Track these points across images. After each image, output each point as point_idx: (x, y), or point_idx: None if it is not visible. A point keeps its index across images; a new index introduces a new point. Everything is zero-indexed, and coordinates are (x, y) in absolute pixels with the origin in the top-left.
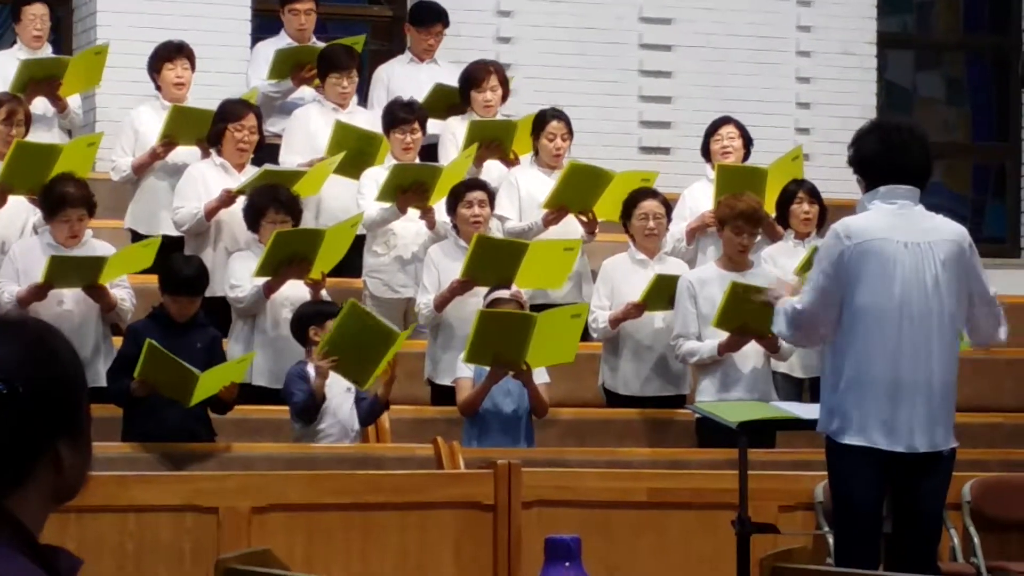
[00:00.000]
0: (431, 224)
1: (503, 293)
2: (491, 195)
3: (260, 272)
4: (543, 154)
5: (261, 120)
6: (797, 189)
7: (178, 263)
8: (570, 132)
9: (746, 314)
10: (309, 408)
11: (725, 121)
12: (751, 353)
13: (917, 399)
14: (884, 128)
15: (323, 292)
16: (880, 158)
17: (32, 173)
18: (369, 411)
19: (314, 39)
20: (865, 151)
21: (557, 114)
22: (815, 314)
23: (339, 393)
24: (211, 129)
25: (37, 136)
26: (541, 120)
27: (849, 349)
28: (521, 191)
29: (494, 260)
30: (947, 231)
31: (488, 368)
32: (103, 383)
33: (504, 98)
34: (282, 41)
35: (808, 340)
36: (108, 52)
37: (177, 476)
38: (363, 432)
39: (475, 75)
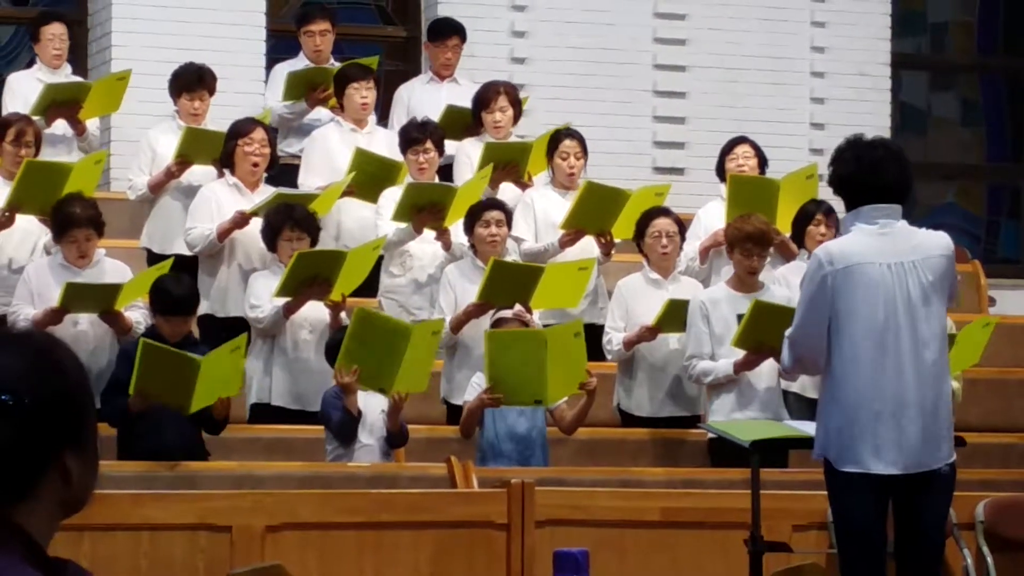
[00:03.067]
0: (447, 246)
1: (506, 313)
2: (508, 215)
3: (281, 292)
4: (558, 174)
5: (272, 136)
6: (816, 210)
7: (169, 284)
8: (584, 151)
9: (764, 332)
10: (347, 426)
11: (740, 140)
12: (765, 372)
13: (909, 419)
14: (858, 146)
15: (343, 313)
16: (856, 177)
17: (42, 193)
18: (390, 442)
19: (332, 60)
20: (841, 171)
21: (571, 133)
22: (803, 340)
23: (375, 411)
24: (223, 149)
25: (56, 158)
26: (555, 139)
27: (838, 373)
28: (537, 212)
29: (510, 283)
30: (932, 246)
31: (512, 403)
32: None
33: (516, 118)
34: (300, 63)
35: (806, 369)
36: (130, 79)
37: (190, 495)
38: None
39: (485, 96)
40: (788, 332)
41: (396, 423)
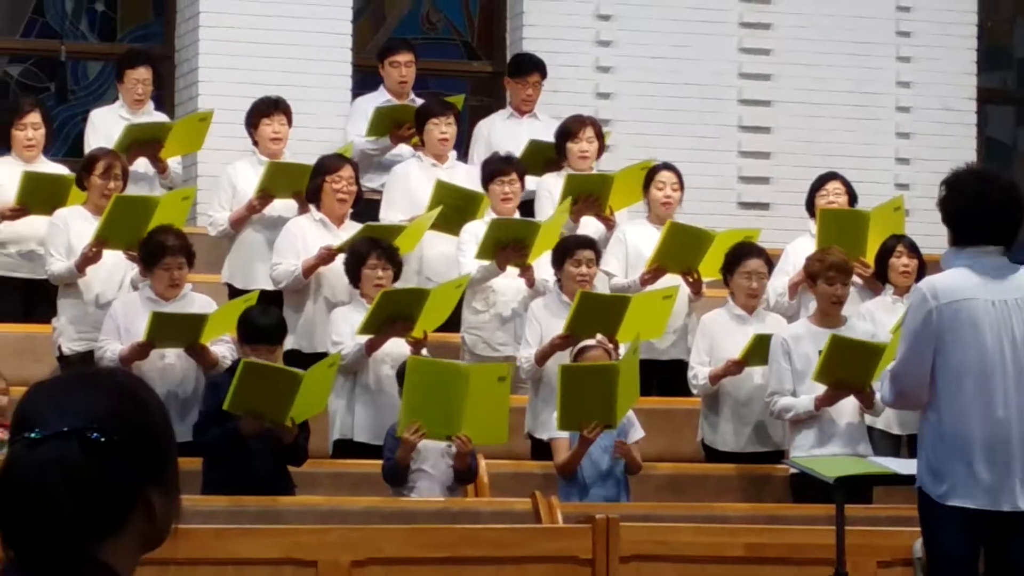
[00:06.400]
0: (531, 282)
1: (590, 341)
2: (599, 254)
3: (364, 330)
4: (653, 206)
5: (358, 173)
6: (896, 243)
7: (256, 314)
8: (681, 184)
9: (844, 368)
10: (396, 474)
11: (831, 177)
12: (847, 408)
13: (1012, 457)
14: (984, 181)
15: (424, 351)
16: (975, 214)
17: (129, 228)
18: (458, 477)
19: (412, 96)
20: (961, 204)
21: (668, 166)
22: (907, 374)
23: (435, 453)
24: (309, 185)
25: (138, 194)
26: (652, 171)
27: (941, 408)
28: (628, 247)
29: (597, 315)
30: None
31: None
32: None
33: (600, 152)
34: (381, 96)
35: (907, 403)
36: (212, 119)
37: (276, 529)
38: (462, 488)
39: (571, 127)
40: (891, 366)
41: (464, 463)
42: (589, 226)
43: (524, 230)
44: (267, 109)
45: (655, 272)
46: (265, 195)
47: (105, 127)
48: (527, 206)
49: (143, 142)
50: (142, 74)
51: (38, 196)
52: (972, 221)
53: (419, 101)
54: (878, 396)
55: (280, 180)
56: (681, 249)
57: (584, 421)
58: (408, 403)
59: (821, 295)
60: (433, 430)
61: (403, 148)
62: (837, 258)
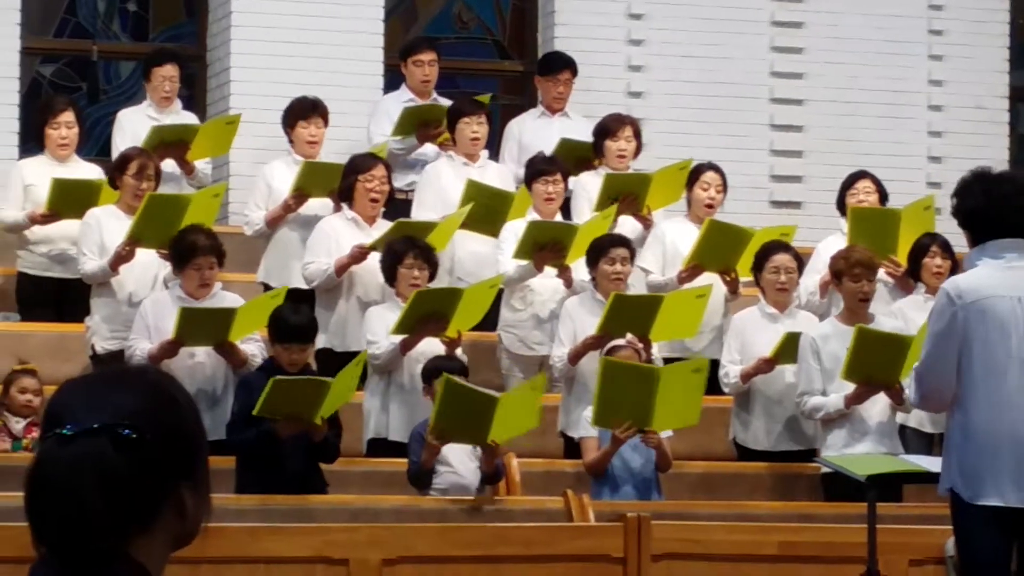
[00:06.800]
0: (568, 283)
1: (619, 341)
2: (633, 252)
3: (398, 330)
4: (695, 205)
5: (390, 172)
6: (931, 243)
7: (287, 312)
8: (724, 186)
9: (873, 364)
10: (420, 476)
11: (862, 175)
12: (878, 406)
13: None
14: (986, 180)
15: (458, 350)
16: (985, 212)
17: (162, 226)
18: (484, 479)
19: (435, 95)
20: (969, 205)
21: (713, 166)
22: (931, 374)
23: (461, 453)
24: (341, 184)
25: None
26: (696, 171)
27: (969, 407)
28: (667, 244)
29: (630, 316)
30: None
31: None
32: (223, 435)
33: (637, 151)
34: (404, 95)
35: (932, 405)
36: (240, 122)
37: (307, 528)
38: (492, 488)
39: (609, 126)
40: (916, 366)
41: (491, 466)
42: (626, 225)
43: (562, 232)
44: (305, 111)
45: (693, 270)
46: (300, 194)
47: (132, 127)
48: (564, 204)
49: (170, 143)
50: (169, 71)
51: (68, 202)
52: (982, 217)
53: (442, 100)
54: (908, 392)
55: (315, 179)
56: (719, 248)
57: (618, 420)
58: (439, 416)
59: (847, 293)
60: (462, 439)
61: (428, 147)
62: (862, 255)
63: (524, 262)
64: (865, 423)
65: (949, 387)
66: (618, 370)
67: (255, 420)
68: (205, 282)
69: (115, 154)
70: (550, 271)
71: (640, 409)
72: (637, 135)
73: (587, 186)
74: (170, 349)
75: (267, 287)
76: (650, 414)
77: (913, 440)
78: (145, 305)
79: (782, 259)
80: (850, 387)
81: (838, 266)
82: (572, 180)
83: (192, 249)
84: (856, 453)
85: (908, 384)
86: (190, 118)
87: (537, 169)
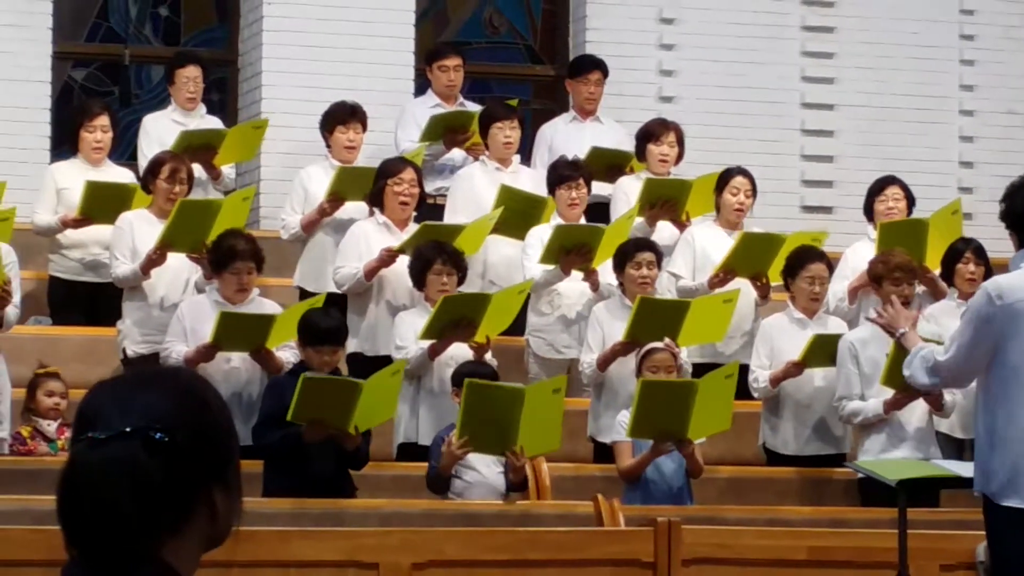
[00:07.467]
0: (595, 286)
1: (656, 344)
2: (659, 256)
3: (426, 335)
4: (724, 210)
5: (420, 176)
6: (965, 248)
7: (316, 316)
8: (754, 190)
9: None
10: (436, 483)
11: (890, 181)
12: (916, 411)
13: None
14: None
15: (487, 355)
16: None
17: (193, 231)
18: (510, 487)
19: (461, 99)
20: (1018, 207)
21: (742, 171)
22: (959, 369)
23: (485, 458)
24: (372, 188)
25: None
26: (726, 176)
27: (1002, 409)
28: (696, 249)
29: (657, 320)
30: None
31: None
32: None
33: (679, 158)
34: (430, 100)
35: (951, 386)
36: (267, 127)
37: (338, 532)
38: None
39: (653, 130)
40: (941, 358)
41: (519, 477)
42: (664, 231)
43: (588, 235)
44: (344, 117)
45: (725, 275)
46: (335, 198)
47: (158, 132)
48: (603, 208)
49: (197, 148)
50: (192, 72)
51: (101, 205)
52: None
53: (468, 104)
54: (907, 372)
55: (350, 183)
56: (752, 253)
57: (655, 433)
58: (464, 422)
59: (887, 297)
60: (486, 448)
61: (455, 152)
62: (901, 259)
63: (551, 266)
64: (903, 429)
65: (970, 377)
66: (656, 388)
67: (283, 423)
68: (243, 287)
69: (140, 158)
70: (577, 274)
71: (677, 421)
72: (680, 141)
73: (627, 190)
74: (207, 353)
75: (303, 291)
76: (686, 425)
77: (944, 446)
78: (182, 308)
79: (818, 268)
80: (889, 392)
81: (877, 270)
82: (601, 185)
83: (231, 254)
84: (892, 458)
85: (915, 367)
86: (215, 123)
87: (560, 175)
